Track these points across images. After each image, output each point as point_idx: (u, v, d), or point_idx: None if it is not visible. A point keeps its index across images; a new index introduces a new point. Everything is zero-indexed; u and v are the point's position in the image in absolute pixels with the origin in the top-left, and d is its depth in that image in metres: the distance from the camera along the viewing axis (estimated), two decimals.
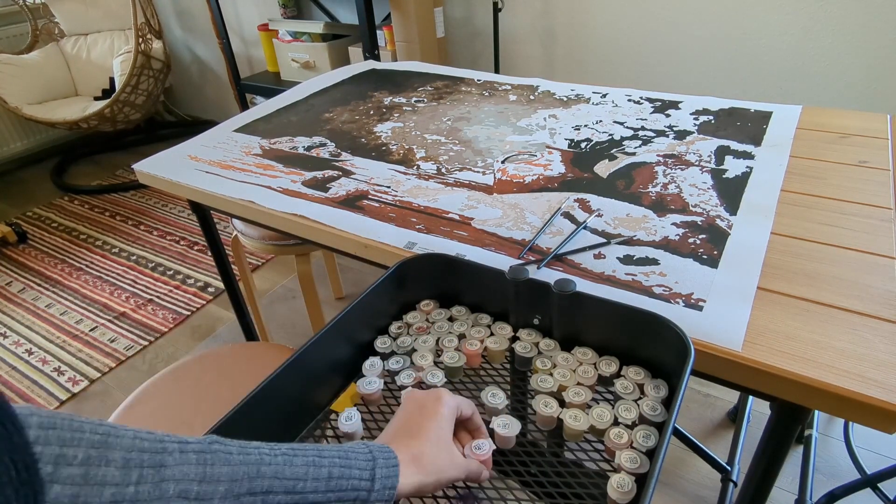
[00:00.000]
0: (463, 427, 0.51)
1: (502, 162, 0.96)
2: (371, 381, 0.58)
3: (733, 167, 0.88)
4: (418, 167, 0.97)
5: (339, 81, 1.43)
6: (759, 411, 1.37)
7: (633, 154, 0.95)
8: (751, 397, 1.30)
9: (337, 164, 1.00)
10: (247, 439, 0.43)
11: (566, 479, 0.50)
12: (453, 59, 2.26)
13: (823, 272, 0.65)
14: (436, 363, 0.61)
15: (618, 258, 0.70)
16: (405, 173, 0.95)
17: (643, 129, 1.03)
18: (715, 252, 0.70)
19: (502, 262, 0.71)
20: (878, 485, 1.04)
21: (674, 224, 0.76)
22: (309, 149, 1.06)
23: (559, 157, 0.96)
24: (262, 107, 1.29)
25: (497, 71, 2.04)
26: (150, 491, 0.31)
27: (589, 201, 0.83)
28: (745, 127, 1.00)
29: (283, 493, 0.37)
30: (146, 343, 1.81)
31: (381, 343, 0.64)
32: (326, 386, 0.59)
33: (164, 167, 1.04)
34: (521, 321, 0.64)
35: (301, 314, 1.89)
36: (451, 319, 0.66)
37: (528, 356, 0.60)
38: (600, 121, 1.08)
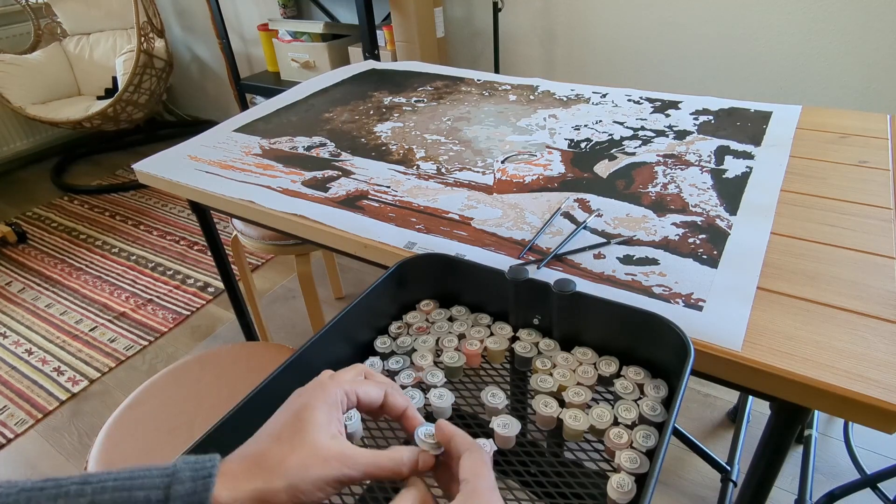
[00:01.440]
0: (383, 415, 0.44)
1: (502, 162, 0.96)
2: None
3: (733, 167, 0.88)
4: (418, 167, 0.97)
5: (338, 81, 1.43)
6: (759, 411, 1.37)
7: (633, 154, 0.95)
8: (751, 397, 1.30)
9: (337, 164, 1.00)
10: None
11: (566, 479, 0.50)
12: (453, 59, 2.26)
13: (823, 272, 0.65)
14: (436, 363, 0.61)
15: (617, 258, 0.70)
16: (405, 173, 0.95)
17: (643, 129, 1.03)
18: (715, 252, 0.70)
19: (502, 262, 0.71)
20: (878, 485, 1.04)
21: (674, 224, 0.76)
22: (309, 149, 1.06)
23: (559, 157, 0.96)
24: (262, 107, 1.29)
25: (497, 71, 2.05)
26: None
27: (589, 201, 0.83)
28: (745, 127, 1.00)
29: None
30: (146, 343, 1.81)
31: (381, 343, 0.64)
32: None
33: (163, 167, 1.04)
34: (520, 321, 0.64)
35: (301, 314, 1.89)
36: (450, 319, 0.66)
37: (527, 356, 0.60)
38: (600, 121, 1.08)
